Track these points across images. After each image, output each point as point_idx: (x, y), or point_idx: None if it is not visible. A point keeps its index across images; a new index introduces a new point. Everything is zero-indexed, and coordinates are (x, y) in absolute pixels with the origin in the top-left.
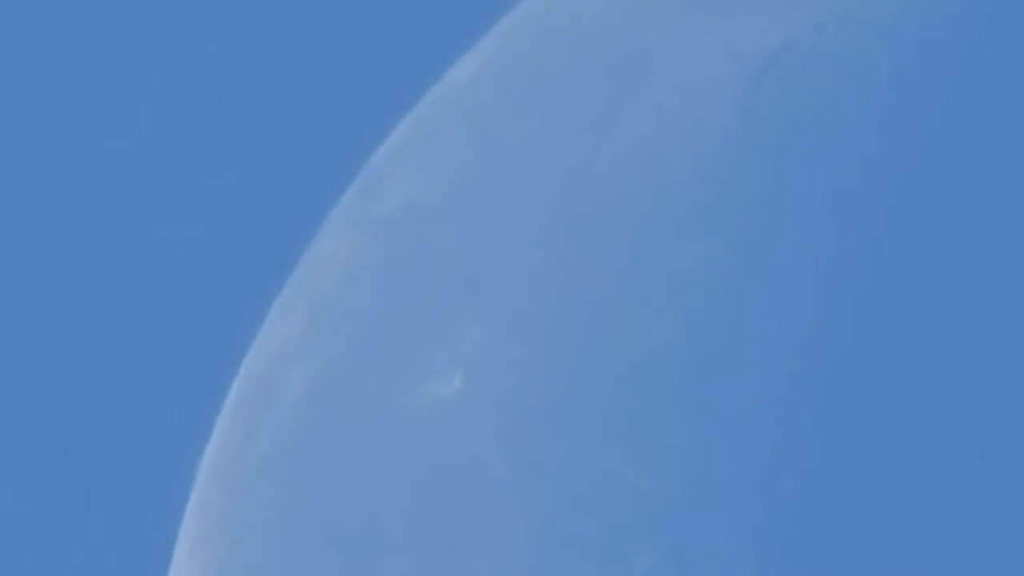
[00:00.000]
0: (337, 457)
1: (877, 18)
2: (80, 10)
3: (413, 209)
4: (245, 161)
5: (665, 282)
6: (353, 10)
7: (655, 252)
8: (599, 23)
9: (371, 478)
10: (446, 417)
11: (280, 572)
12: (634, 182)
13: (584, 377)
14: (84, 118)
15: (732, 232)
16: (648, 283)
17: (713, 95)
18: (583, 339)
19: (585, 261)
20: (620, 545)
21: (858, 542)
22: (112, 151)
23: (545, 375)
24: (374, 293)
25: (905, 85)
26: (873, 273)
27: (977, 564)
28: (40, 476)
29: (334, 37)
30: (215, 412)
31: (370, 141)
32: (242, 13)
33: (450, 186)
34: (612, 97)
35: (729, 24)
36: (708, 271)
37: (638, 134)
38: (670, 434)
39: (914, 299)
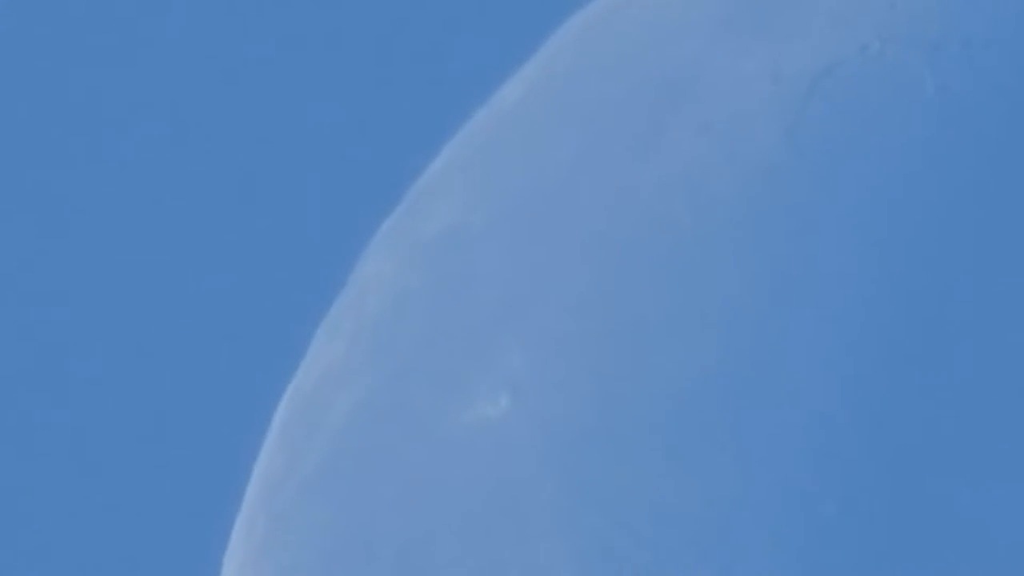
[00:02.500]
0: (383, 479)
1: (921, 37)
2: (123, 30)
3: (458, 231)
4: (291, 183)
5: (710, 304)
6: (399, 32)
7: (700, 274)
8: (642, 46)
9: (417, 500)
10: (491, 439)
11: None
12: (678, 204)
13: (629, 399)
14: (126, 134)
15: (777, 254)
16: (693, 305)
17: (757, 116)
18: (628, 361)
19: (630, 283)
20: (665, 568)
21: (900, 567)
22: (157, 174)
23: (590, 397)
24: (420, 315)
25: (950, 104)
26: (921, 295)
27: None
28: (85, 501)
29: (381, 59)
30: (262, 434)
31: (415, 163)
32: (290, 34)
33: (495, 208)
34: (655, 119)
35: (772, 46)
36: (753, 293)
37: (682, 156)
38: (715, 457)
39: (962, 322)
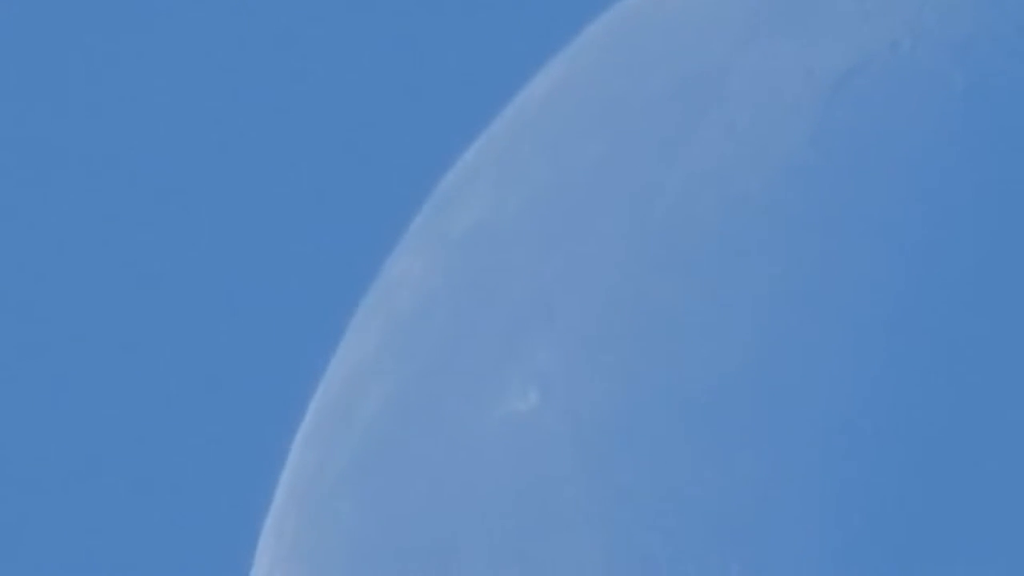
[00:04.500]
0: (413, 475)
1: (951, 36)
2: (149, 37)
3: (487, 228)
4: (321, 180)
5: (738, 302)
6: (426, 33)
7: (728, 272)
8: (670, 44)
9: (447, 496)
10: (521, 435)
11: None
12: (707, 202)
13: (658, 396)
14: (159, 138)
15: (805, 253)
16: (720, 303)
17: (786, 115)
18: (657, 358)
19: (658, 280)
20: (693, 564)
21: (926, 566)
22: (190, 175)
23: (619, 393)
24: (449, 311)
25: (979, 103)
26: (949, 296)
27: None
28: (115, 498)
29: (408, 59)
30: (292, 431)
31: (443, 161)
32: (318, 34)
33: (523, 205)
34: (684, 117)
35: (801, 44)
36: (780, 292)
37: (710, 154)
38: (743, 454)
39: (992, 323)
